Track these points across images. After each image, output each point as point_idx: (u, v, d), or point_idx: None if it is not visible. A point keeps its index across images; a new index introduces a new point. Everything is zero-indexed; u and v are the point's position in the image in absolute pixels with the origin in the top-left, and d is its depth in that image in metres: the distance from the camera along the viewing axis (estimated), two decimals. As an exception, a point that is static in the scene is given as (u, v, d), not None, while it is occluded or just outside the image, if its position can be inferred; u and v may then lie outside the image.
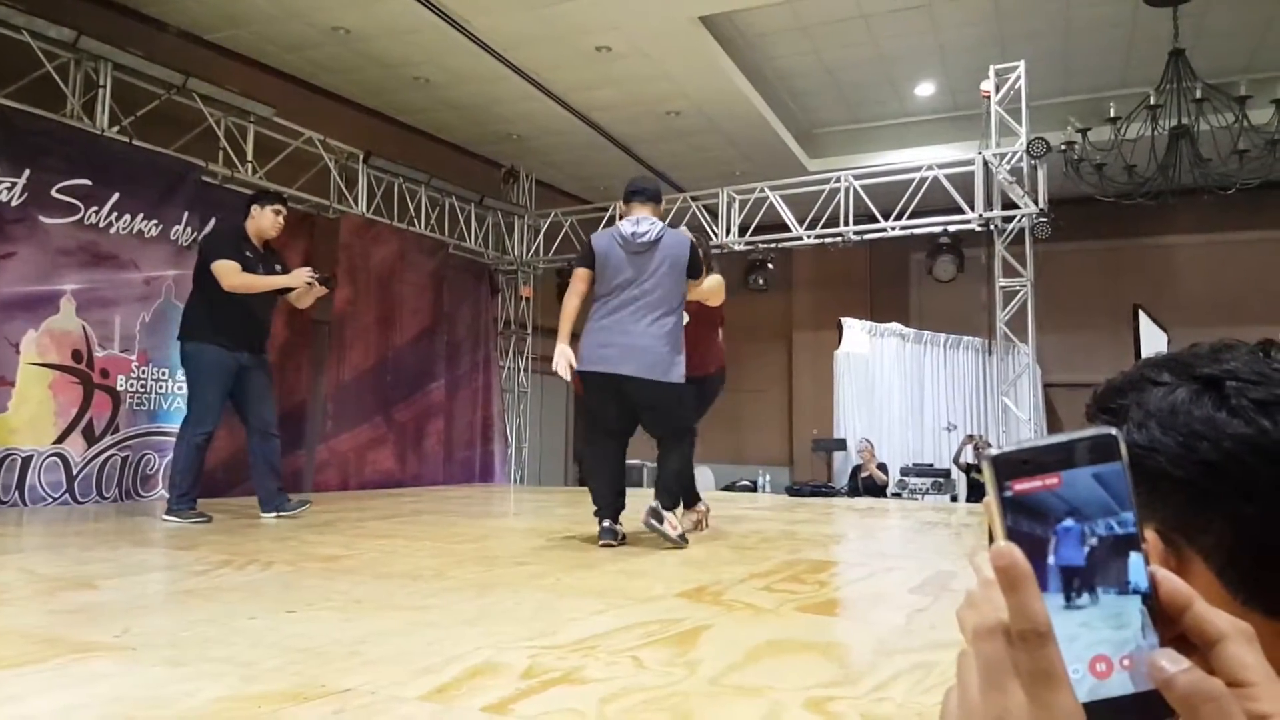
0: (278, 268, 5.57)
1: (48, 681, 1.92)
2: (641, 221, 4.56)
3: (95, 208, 6.54)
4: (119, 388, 6.69)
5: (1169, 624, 0.47)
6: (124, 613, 2.68)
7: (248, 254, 5.39)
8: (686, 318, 4.67)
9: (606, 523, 4.44)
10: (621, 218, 4.70)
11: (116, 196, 6.66)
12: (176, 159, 7.18)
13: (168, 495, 5.39)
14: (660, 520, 4.35)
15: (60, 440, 6.31)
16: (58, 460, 6.29)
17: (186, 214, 7.16)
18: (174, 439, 6.90)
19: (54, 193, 6.31)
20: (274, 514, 5.48)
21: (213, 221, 7.42)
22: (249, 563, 3.66)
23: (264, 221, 5.53)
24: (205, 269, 5.30)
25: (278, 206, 5.61)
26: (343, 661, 2.10)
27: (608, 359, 4.39)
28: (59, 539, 4.60)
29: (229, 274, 5.22)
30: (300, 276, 5.48)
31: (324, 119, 8.87)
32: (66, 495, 6.31)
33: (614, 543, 4.39)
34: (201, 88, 7.39)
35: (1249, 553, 0.59)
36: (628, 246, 4.51)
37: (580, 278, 4.60)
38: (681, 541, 4.38)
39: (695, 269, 4.61)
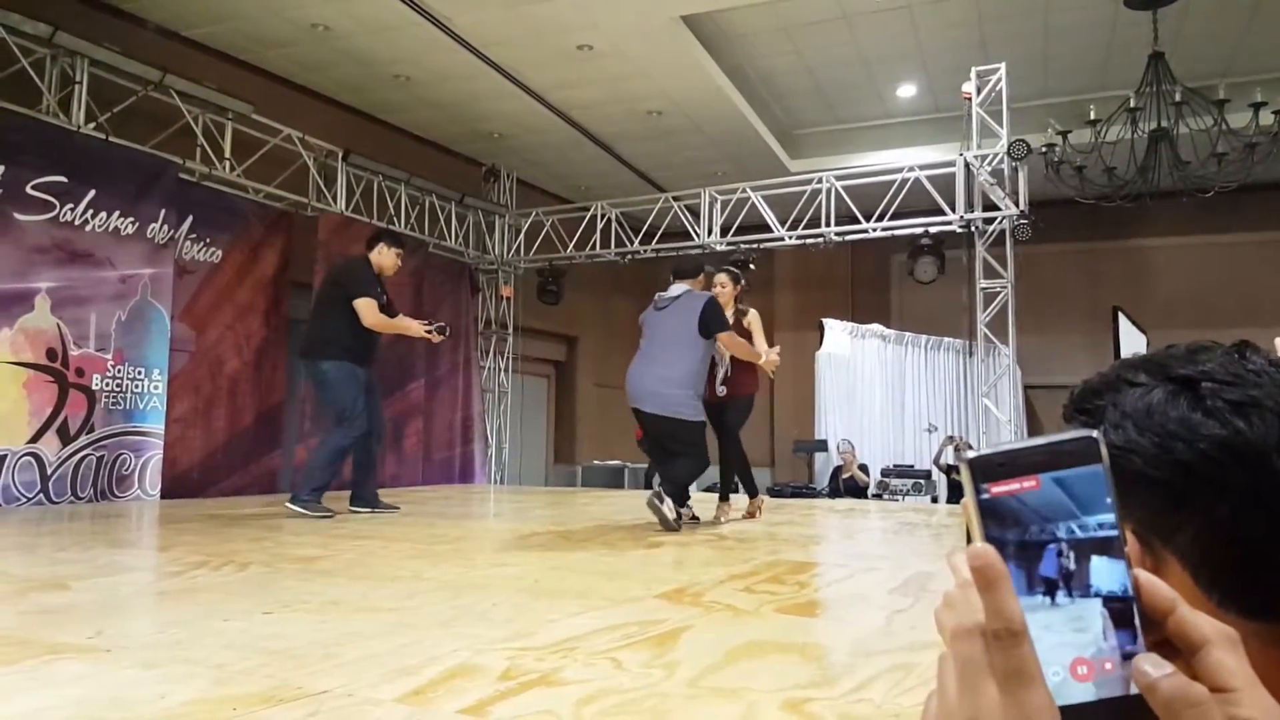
0: (384, 298, 6.04)
1: (18, 683, 1.90)
2: (672, 289, 5.55)
3: (71, 205, 6.48)
4: (94, 387, 6.63)
5: (1152, 628, 0.47)
6: (97, 614, 2.65)
7: (379, 290, 5.95)
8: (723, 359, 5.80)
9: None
10: None
11: (92, 194, 6.60)
12: (153, 156, 7.12)
13: (299, 485, 5.81)
14: (661, 501, 5.03)
15: (35, 440, 6.25)
16: (32, 460, 6.22)
17: (163, 211, 7.11)
18: (150, 438, 6.91)
19: (29, 189, 6.25)
20: (368, 510, 5.96)
21: (189, 221, 7.40)
22: (225, 564, 3.63)
23: (386, 261, 6.10)
24: (341, 298, 5.83)
25: (400, 250, 6.21)
26: (318, 663, 2.08)
27: (636, 397, 5.38)
28: (32, 539, 4.55)
29: (370, 313, 5.80)
30: (419, 329, 6.17)
31: (303, 116, 8.81)
32: (41, 495, 6.25)
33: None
34: (179, 84, 7.33)
35: (1223, 553, 0.59)
36: (656, 305, 5.58)
37: None
38: (675, 526, 5.04)
39: (703, 326, 5.34)
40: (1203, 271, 11.75)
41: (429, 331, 6.18)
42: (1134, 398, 0.64)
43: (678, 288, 5.54)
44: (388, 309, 6.04)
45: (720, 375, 5.88)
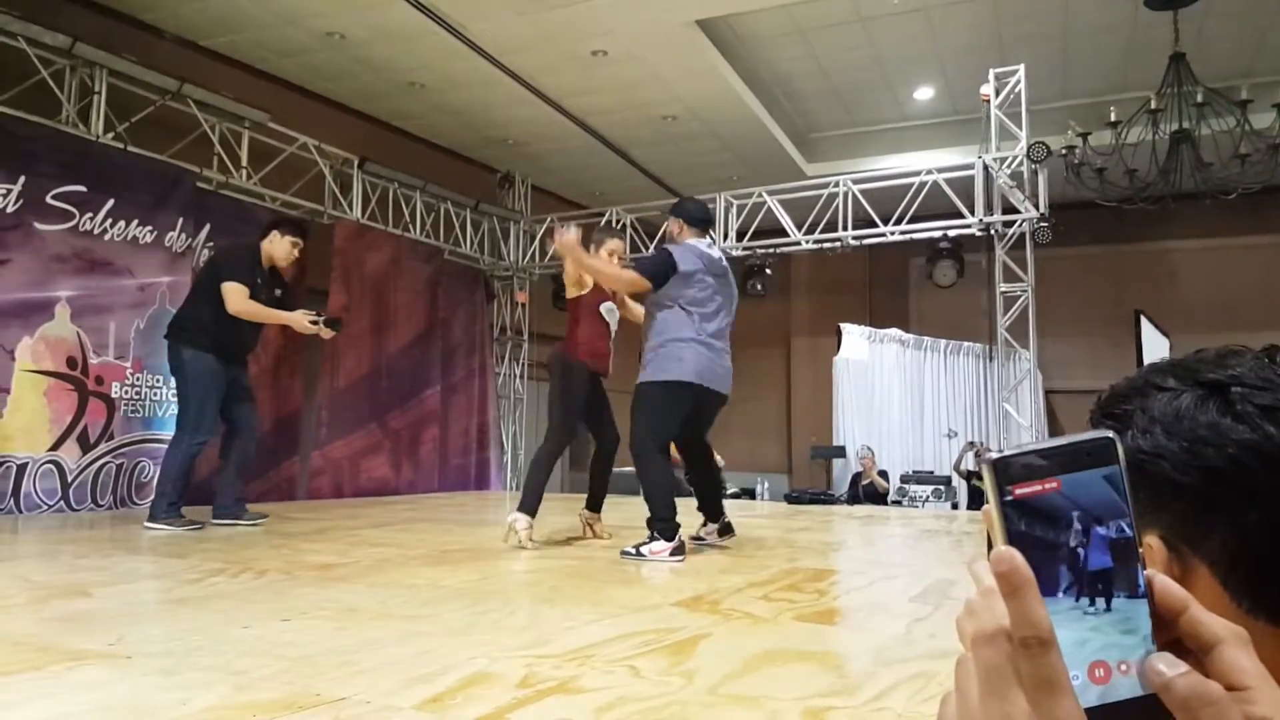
0: (278, 292, 5.66)
1: (40, 689, 1.90)
2: (714, 246, 4.81)
3: (90, 214, 6.52)
4: (114, 395, 6.67)
5: (1165, 628, 0.47)
6: (117, 621, 2.66)
7: (258, 279, 5.49)
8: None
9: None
10: (681, 238, 4.76)
11: (111, 203, 6.65)
12: (171, 165, 7.17)
13: (154, 503, 5.32)
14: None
15: (55, 447, 6.29)
16: (52, 467, 6.26)
17: (181, 220, 7.15)
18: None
19: (49, 199, 6.29)
20: (230, 521, 5.46)
21: (207, 229, 7.44)
22: (243, 571, 3.64)
23: (278, 250, 5.62)
24: (214, 283, 5.38)
25: (296, 239, 5.69)
26: (336, 670, 2.08)
27: (720, 379, 4.63)
28: (53, 546, 4.58)
29: (236, 298, 5.32)
30: (300, 320, 5.59)
31: (319, 124, 8.86)
32: (61, 503, 6.28)
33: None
34: (196, 94, 7.38)
35: (1253, 559, 0.59)
36: (714, 269, 4.66)
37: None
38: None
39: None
40: (1226, 274, 11.64)
41: (314, 323, 5.61)
42: (1162, 402, 0.63)
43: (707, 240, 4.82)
44: (280, 301, 5.64)
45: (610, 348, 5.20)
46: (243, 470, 5.69)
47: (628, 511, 5.57)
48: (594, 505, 5.26)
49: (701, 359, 4.51)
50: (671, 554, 4.23)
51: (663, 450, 4.55)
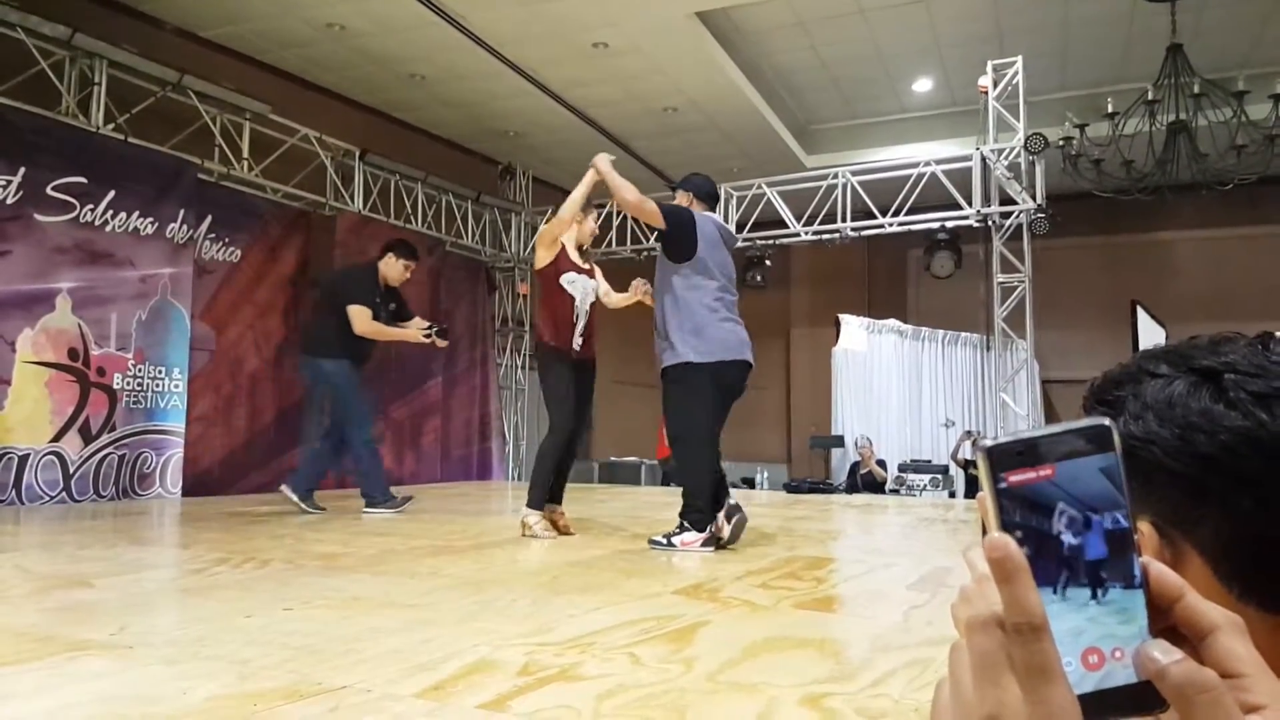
0: (392, 306, 6.20)
1: (43, 680, 1.92)
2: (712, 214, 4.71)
3: (91, 206, 6.52)
4: (115, 386, 6.68)
5: (1160, 615, 0.47)
6: (120, 611, 2.68)
7: (377, 299, 6.02)
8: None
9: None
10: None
11: (112, 194, 6.64)
12: (172, 156, 7.16)
13: (368, 496, 5.95)
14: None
15: (57, 439, 6.30)
16: (54, 459, 6.27)
17: (182, 211, 7.15)
18: (171, 437, 6.95)
19: (49, 190, 6.30)
20: (293, 494, 5.90)
21: (208, 221, 7.43)
22: (246, 560, 3.66)
23: (393, 271, 6.15)
24: (340, 303, 5.90)
25: (409, 262, 6.20)
26: (339, 659, 2.09)
27: (747, 347, 4.51)
28: (55, 537, 4.59)
29: (361, 320, 5.87)
30: (416, 334, 6.18)
31: (320, 116, 8.85)
32: (63, 493, 6.30)
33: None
34: (197, 85, 7.38)
35: (1244, 546, 0.58)
36: (728, 241, 4.67)
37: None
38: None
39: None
40: (1222, 264, 11.65)
41: (427, 337, 6.19)
42: (1155, 389, 0.63)
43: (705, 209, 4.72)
44: (396, 314, 6.21)
45: (581, 325, 4.93)
46: (327, 465, 6.20)
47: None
48: (555, 497, 4.98)
49: (731, 334, 4.44)
50: (702, 545, 4.21)
51: (711, 443, 4.42)
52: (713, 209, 4.76)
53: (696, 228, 4.46)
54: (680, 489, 4.47)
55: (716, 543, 4.29)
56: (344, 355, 5.89)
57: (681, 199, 4.71)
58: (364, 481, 6.03)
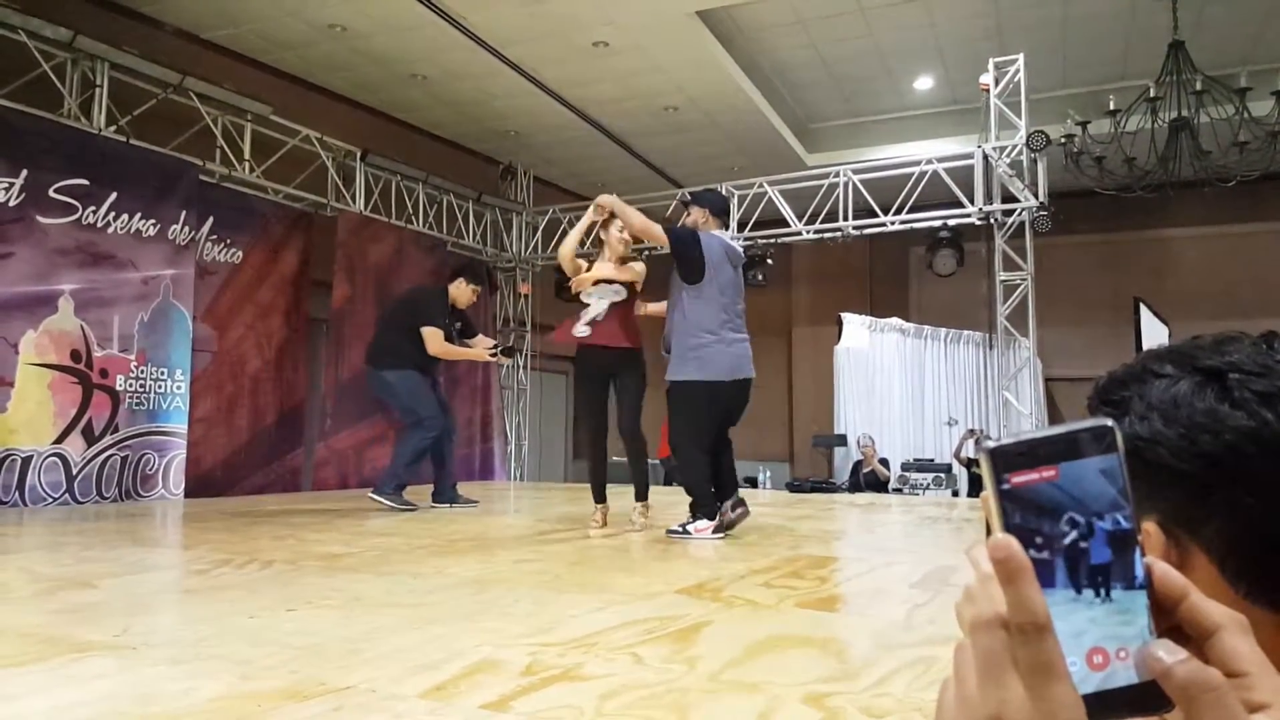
0: (458, 325, 6.50)
1: (46, 680, 1.92)
2: (723, 234, 4.95)
3: (93, 207, 6.53)
4: (118, 387, 6.69)
5: (1164, 615, 0.47)
6: (123, 612, 2.68)
7: (447, 321, 6.31)
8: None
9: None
10: (706, 228, 4.90)
11: (114, 196, 6.65)
12: (174, 158, 7.17)
13: (383, 481, 6.18)
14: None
15: (60, 440, 6.31)
16: (57, 460, 6.28)
17: (184, 213, 7.15)
18: (173, 438, 6.97)
19: (51, 192, 6.30)
20: (447, 505, 6.34)
21: (210, 222, 7.44)
22: (248, 561, 3.66)
23: (462, 295, 6.47)
24: (414, 323, 6.17)
25: (477, 287, 6.57)
26: (342, 659, 2.09)
27: (749, 365, 4.84)
28: (59, 538, 4.59)
29: (435, 342, 6.16)
30: (483, 354, 6.60)
31: (321, 117, 8.85)
32: (66, 495, 6.31)
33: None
34: (198, 86, 7.38)
35: (1250, 545, 0.58)
36: (734, 260, 4.88)
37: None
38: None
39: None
40: (1225, 262, 11.63)
41: (493, 354, 6.62)
42: (1160, 389, 0.63)
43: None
44: (462, 332, 6.54)
45: (589, 317, 5.02)
46: (450, 461, 6.48)
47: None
48: (639, 496, 5.21)
49: (735, 355, 4.75)
50: (714, 531, 4.60)
51: (705, 450, 4.75)
52: (726, 225, 5.01)
53: (703, 250, 4.69)
54: (682, 487, 4.93)
55: (727, 528, 4.68)
56: (410, 367, 6.14)
57: (697, 215, 4.95)
58: (391, 464, 6.28)
